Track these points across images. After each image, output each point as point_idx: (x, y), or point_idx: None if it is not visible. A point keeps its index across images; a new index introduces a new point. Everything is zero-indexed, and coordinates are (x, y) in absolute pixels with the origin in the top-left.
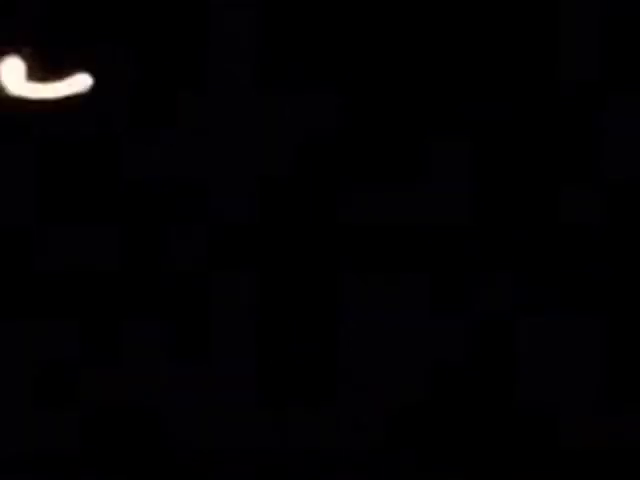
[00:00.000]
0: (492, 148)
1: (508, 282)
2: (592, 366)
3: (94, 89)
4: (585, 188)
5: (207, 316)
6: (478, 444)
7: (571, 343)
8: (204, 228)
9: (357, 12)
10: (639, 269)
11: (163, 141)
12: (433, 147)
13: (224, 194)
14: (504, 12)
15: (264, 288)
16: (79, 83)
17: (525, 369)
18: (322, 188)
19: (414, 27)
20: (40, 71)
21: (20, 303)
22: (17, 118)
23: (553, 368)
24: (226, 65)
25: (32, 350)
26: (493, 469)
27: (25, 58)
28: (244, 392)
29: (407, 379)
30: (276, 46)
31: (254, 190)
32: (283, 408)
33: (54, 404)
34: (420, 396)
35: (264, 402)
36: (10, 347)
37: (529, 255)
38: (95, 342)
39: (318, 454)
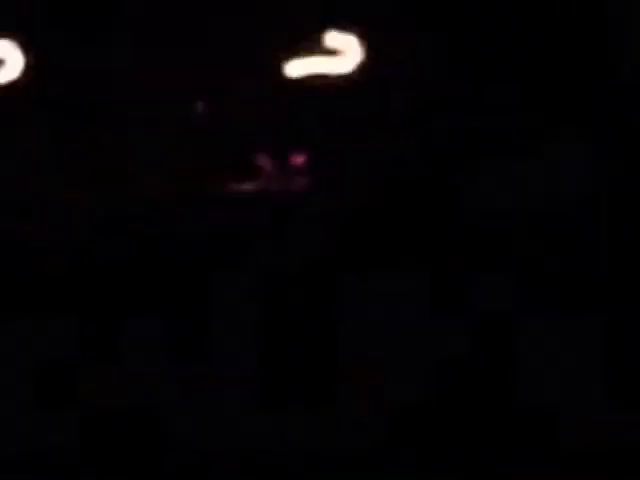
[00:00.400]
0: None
1: (508, 282)
2: (592, 366)
3: None
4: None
5: (207, 316)
6: (478, 444)
7: (571, 343)
8: (204, 228)
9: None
10: (639, 269)
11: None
12: None
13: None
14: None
15: (264, 288)
16: None
17: (525, 369)
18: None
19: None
20: None
21: (20, 303)
22: None
23: (553, 368)
24: None
25: (32, 350)
26: (493, 469)
27: None
28: (244, 392)
29: (407, 379)
30: None
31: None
32: (283, 408)
33: (54, 404)
34: (420, 396)
35: (264, 402)
36: (10, 347)
37: (529, 255)
38: (95, 342)
39: (318, 454)
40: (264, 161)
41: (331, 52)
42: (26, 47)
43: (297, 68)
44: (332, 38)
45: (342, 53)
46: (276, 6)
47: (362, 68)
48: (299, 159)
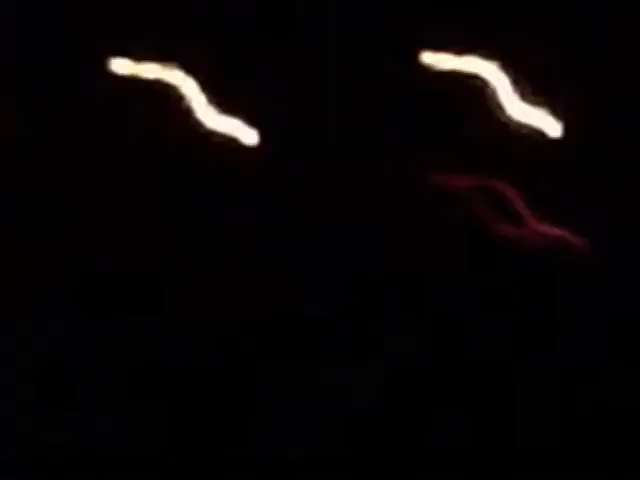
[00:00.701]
0: None
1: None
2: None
3: None
4: None
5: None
6: (478, 444)
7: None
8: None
9: None
10: None
11: None
12: None
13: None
14: None
15: None
16: None
17: (525, 369)
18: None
19: None
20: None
21: (21, 303)
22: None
23: (553, 367)
24: None
25: (32, 350)
26: (493, 469)
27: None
28: None
29: (411, 378)
30: None
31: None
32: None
33: (54, 404)
34: (420, 396)
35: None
36: (10, 347)
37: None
38: (95, 342)
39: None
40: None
41: None
42: None
43: None
44: None
45: None
46: None
47: None
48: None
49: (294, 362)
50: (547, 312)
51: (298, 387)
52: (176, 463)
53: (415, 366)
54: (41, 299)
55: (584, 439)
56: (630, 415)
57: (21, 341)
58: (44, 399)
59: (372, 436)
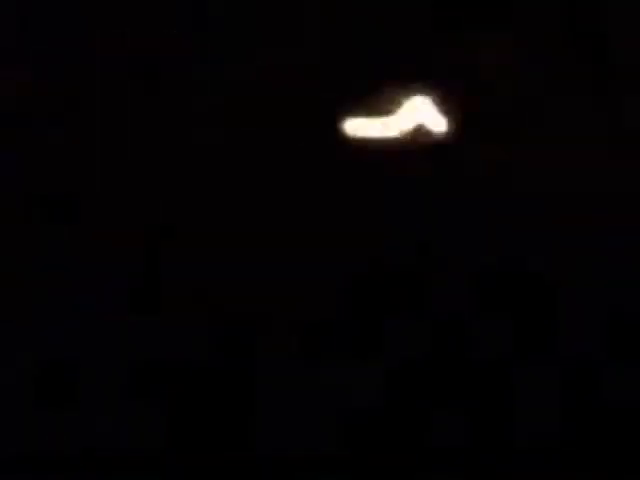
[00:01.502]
0: None
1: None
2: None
3: None
4: None
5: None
6: (478, 444)
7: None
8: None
9: None
10: None
11: None
12: None
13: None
14: None
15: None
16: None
17: (524, 368)
18: None
19: None
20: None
21: (21, 303)
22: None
23: (552, 366)
24: None
25: (32, 350)
26: (493, 469)
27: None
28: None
29: (409, 376)
30: None
31: None
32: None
33: (54, 404)
34: (419, 395)
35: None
36: (10, 347)
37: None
38: (95, 342)
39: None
40: None
41: None
42: None
43: None
44: None
45: None
46: None
47: None
48: None
49: (294, 362)
50: (547, 312)
51: (298, 387)
52: (176, 463)
53: (415, 366)
54: (41, 299)
55: (584, 439)
56: (630, 415)
57: (21, 341)
58: (44, 399)
59: (372, 436)
